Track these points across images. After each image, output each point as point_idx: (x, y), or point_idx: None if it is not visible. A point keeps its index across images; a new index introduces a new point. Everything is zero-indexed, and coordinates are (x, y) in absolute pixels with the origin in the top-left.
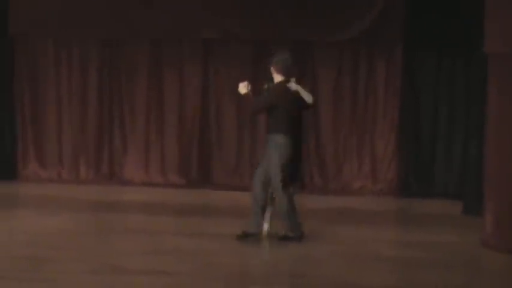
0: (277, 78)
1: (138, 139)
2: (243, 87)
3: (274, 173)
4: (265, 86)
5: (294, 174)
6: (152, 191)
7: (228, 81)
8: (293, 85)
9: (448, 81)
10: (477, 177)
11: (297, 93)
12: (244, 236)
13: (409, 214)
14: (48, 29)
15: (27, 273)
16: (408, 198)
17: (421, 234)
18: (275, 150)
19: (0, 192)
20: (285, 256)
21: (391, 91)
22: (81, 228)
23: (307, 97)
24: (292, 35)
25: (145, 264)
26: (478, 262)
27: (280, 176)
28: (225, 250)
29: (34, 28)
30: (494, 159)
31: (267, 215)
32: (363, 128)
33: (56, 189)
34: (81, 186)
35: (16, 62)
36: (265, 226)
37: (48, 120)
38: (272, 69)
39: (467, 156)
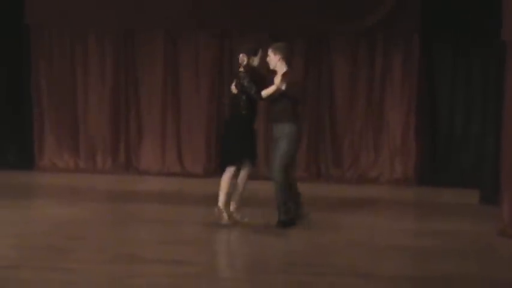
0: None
1: (154, 129)
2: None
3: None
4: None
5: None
6: (169, 180)
7: None
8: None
9: (465, 69)
10: (494, 166)
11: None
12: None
13: (425, 203)
14: (65, 19)
15: (45, 263)
16: (425, 187)
17: (438, 223)
18: (283, 139)
19: (18, 182)
20: (302, 245)
21: (408, 81)
22: (98, 218)
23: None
24: (308, 25)
25: (163, 254)
26: (494, 251)
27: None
28: (242, 239)
29: (50, 18)
30: (511, 148)
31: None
32: (380, 117)
33: (73, 179)
34: (98, 176)
35: (33, 52)
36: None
37: (64, 111)
38: (253, 57)
39: (485, 145)
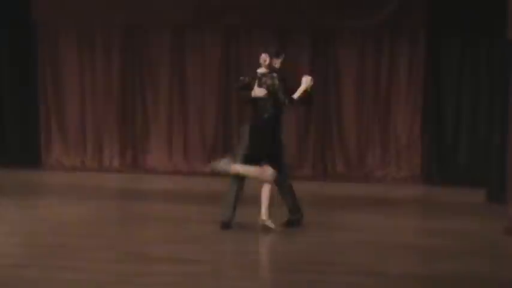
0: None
1: (161, 127)
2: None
3: None
4: (246, 79)
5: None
6: (176, 179)
7: (251, 68)
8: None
9: (472, 67)
10: (501, 165)
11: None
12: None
13: (432, 202)
14: (71, 17)
15: (53, 262)
16: (432, 185)
17: (444, 222)
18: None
19: (25, 181)
20: (309, 244)
21: (414, 79)
22: (105, 217)
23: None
24: (315, 22)
25: (170, 252)
26: (501, 249)
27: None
28: (248, 238)
29: (57, 16)
30: None
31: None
32: (386, 115)
33: (79, 177)
34: (105, 174)
35: (39, 50)
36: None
37: (71, 109)
38: (275, 59)
39: (491, 144)
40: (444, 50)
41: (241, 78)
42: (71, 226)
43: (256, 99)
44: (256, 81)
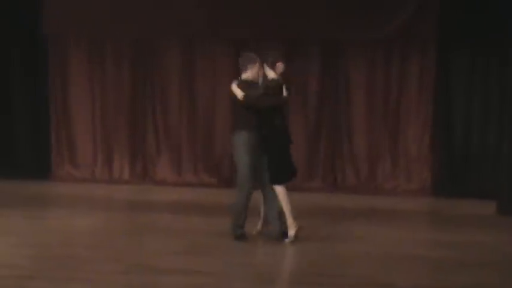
0: (271, 74)
1: (171, 139)
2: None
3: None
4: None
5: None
6: (185, 190)
7: None
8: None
9: (482, 80)
10: (511, 177)
11: None
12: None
13: (442, 214)
14: (82, 29)
15: (62, 273)
16: (442, 198)
17: (455, 234)
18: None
19: (35, 192)
20: (317, 256)
21: (425, 90)
22: (114, 228)
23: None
24: (324, 34)
25: (178, 264)
26: (511, 262)
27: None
28: (256, 250)
29: (67, 28)
30: None
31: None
32: (396, 127)
33: (89, 188)
34: (115, 185)
35: (50, 62)
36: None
37: (81, 121)
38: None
39: (501, 156)
40: (454, 60)
41: (250, 92)
42: (79, 237)
43: (282, 104)
44: (284, 87)
